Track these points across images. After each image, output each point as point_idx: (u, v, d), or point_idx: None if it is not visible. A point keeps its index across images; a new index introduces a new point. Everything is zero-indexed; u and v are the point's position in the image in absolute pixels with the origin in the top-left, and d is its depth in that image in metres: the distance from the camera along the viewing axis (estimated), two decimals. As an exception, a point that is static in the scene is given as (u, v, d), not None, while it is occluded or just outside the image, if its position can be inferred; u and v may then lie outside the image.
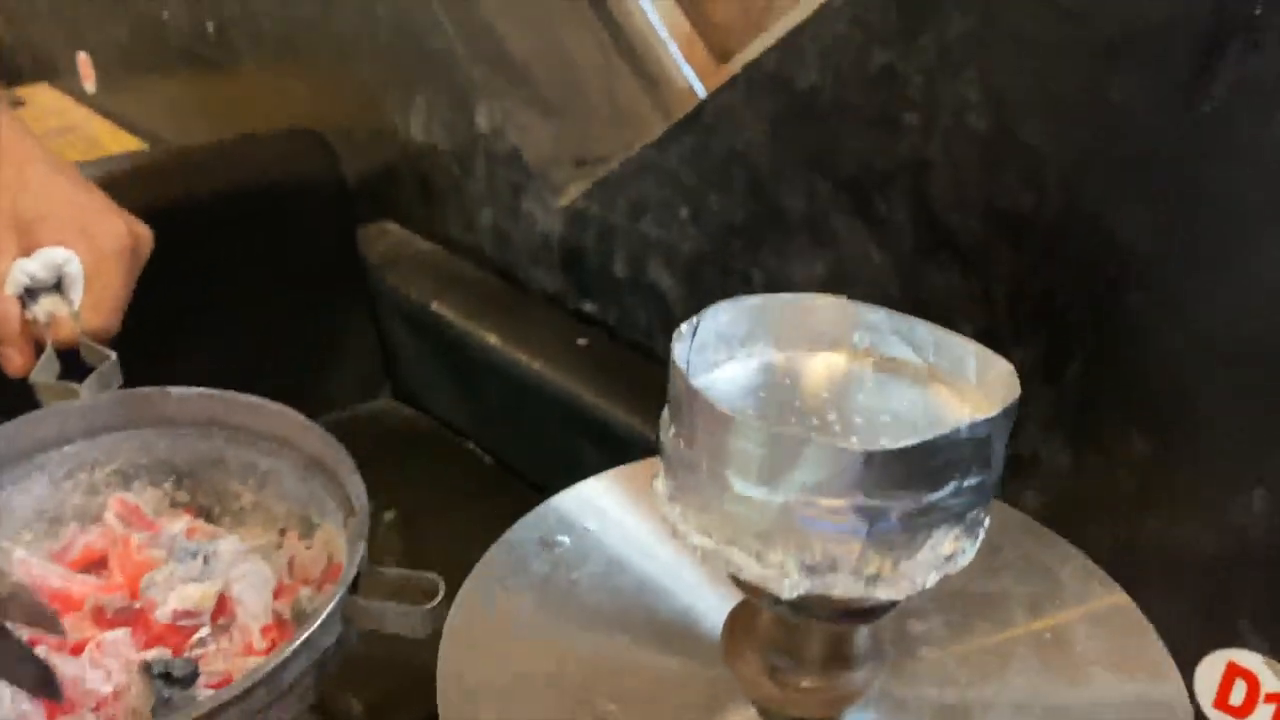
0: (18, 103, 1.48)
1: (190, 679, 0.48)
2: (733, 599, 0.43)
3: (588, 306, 0.87)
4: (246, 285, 0.90)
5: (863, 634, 0.40)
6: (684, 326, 0.38)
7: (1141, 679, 0.43)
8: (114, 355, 0.59)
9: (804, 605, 0.36)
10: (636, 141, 0.83)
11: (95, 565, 0.56)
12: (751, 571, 0.35)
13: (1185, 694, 0.43)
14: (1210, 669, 0.59)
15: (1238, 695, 0.57)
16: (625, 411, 0.78)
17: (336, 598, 0.46)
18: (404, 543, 0.77)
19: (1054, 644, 0.44)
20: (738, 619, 0.42)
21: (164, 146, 1.26)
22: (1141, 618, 0.46)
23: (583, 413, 0.80)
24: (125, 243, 0.63)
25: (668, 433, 0.37)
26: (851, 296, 0.39)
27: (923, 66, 0.61)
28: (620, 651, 0.43)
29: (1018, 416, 0.35)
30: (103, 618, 0.51)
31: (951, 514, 0.34)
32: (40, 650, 0.48)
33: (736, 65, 0.77)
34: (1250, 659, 0.58)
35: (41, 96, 1.51)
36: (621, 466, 0.50)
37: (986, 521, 0.37)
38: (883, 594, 0.35)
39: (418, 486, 0.85)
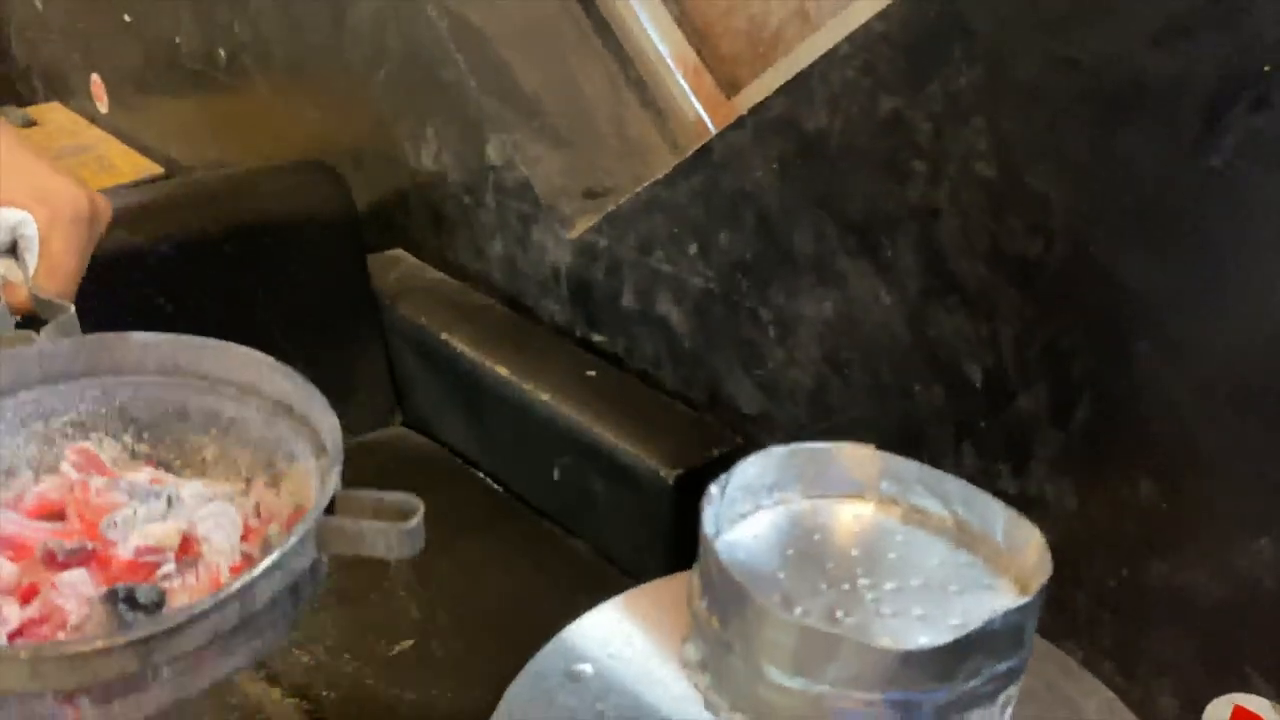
0: (31, 123, 1.49)
1: (156, 605, 0.45)
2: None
3: (596, 337, 0.88)
4: (258, 314, 0.91)
5: None
6: (713, 488, 0.39)
7: None
8: (71, 307, 0.57)
9: None
10: (645, 172, 0.84)
11: (51, 517, 0.54)
12: None
13: None
14: (1217, 712, 0.59)
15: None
16: (632, 441, 0.78)
17: (312, 517, 0.44)
18: (413, 571, 0.78)
19: None
20: None
21: (175, 180, 1.27)
22: None
23: (591, 442, 0.80)
24: (83, 209, 0.62)
25: (699, 602, 0.37)
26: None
27: (931, 114, 0.61)
28: None
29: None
30: (53, 561, 0.48)
31: (984, 698, 0.35)
32: None
33: (744, 103, 0.77)
34: (1258, 703, 0.58)
35: (55, 116, 1.52)
36: (637, 589, 0.50)
37: (1016, 695, 0.37)
38: None
39: (427, 514, 0.85)
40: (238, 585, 0.41)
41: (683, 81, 0.93)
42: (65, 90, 1.53)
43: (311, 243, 0.92)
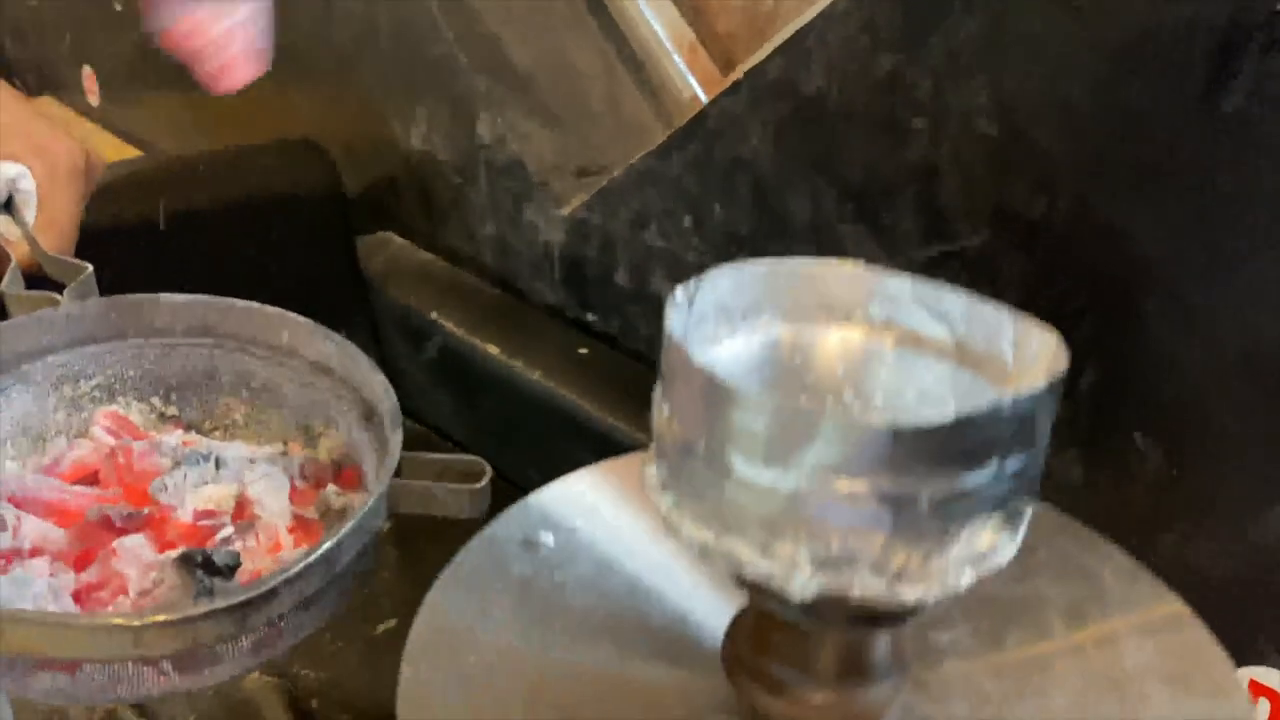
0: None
1: (232, 568, 0.46)
2: (735, 605, 0.38)
3: (589, 317, 0.86)
4: (244, 296, 0.89)
5: (882, 643, 0.36)
6: (679, 292, 0.34)
7: (1201, 695, 0.38)
8: (89, 267, 0.56)
9: (817, 608, 0.32)
10: (639, 151, 0.82)
11: (86, 481, 0.53)
12: (756, 568, 0.31)
13: (1253, 713, 0.39)
14: (1230, 688, 0.58)
15: (1261, 714, 0.56)
16: (627, 423, 0.76)
17: (386, 478, 0.44)
18: (400, 554, 0.76)
19: (1099, 656, 0.39)
20: (740, 627, 0.37)
21: (161, 156, 1.25)
22: (1199, 625, 0.41)
23: (584, 424, 0.78)
24: (79, 163, 0.61)
25: (660, 413, 0.32)
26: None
27: (931, 71, 0.60)
28: (608, 663, 0.39)
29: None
30: (111, 526, 0.48)
31: (990, 502, 0.30)
32: (42, 562, 0.46)
33: (740, 72, 0.76)
34: (1271, 676, 0.56)
35: (47, 110, 1.50)
36: (612, 459, 0.46)
37: (1029, 514, 0.32)
38: (909, 595, 0.30)
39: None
40: (326, 548, 0.42)
41: (679, 60, 0.91)
42: (56, 83, 1.51)
43: (299, 221, 0.91)
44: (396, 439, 0.46)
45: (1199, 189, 0.53)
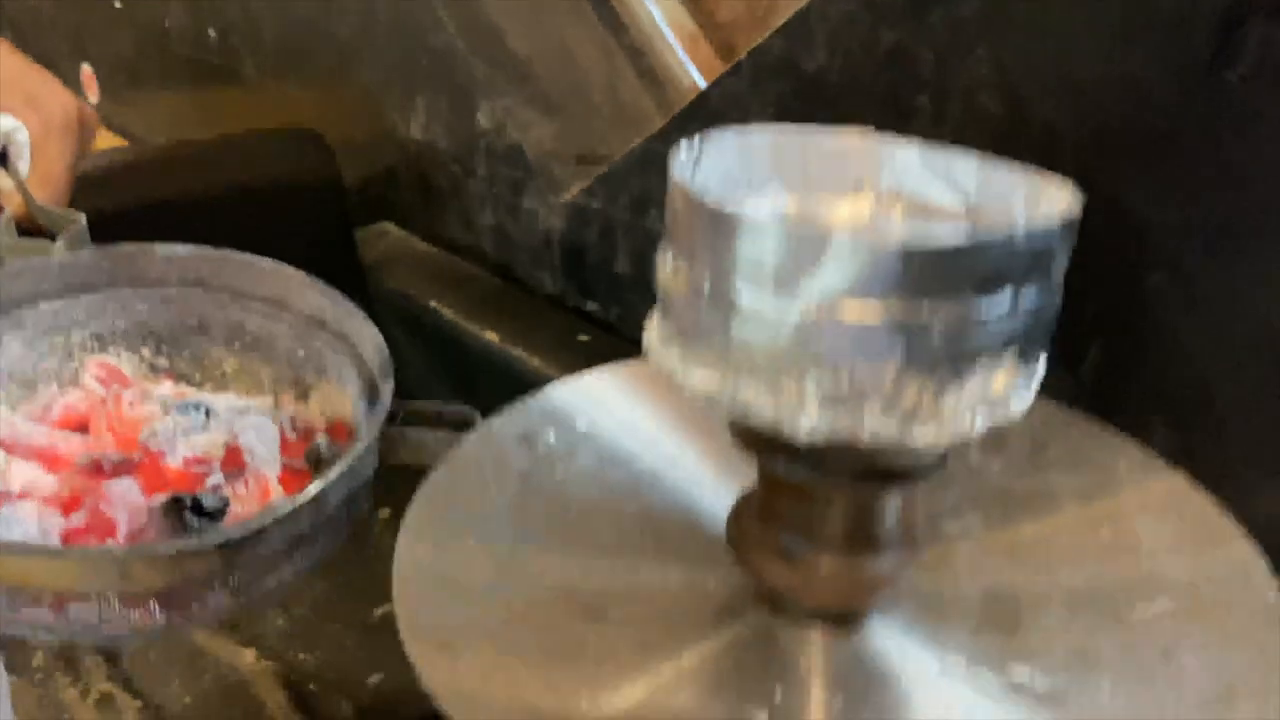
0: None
1: (220, 511, 0.46)
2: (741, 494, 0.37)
3: (589, 305, 0.85)
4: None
5: (891, 510, 0.34)
6: (684, 148, 0.33)
7: (1208, 551, 0.38)
8: (82, 217, 0.56)
9: (825, 460, 0.30)
10: (639, 139, 0.82)
11: (76, 428, 0.54)
12: (764, 410, 0.29)
13: (1260, 557, 0.38)
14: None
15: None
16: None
17: (378, 425, 0.44)
18: (395, 536, 0.75)
19: (1108, 530, 0.39)
20: (746, 503, 0.36)
21: (155, 144, 1.25)
22: (1205, 497, 0.41)
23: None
24: (73, 117, 0.61)
25: (664, 268, 0.32)
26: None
27: (934, 45, 0.59)
28: (610, 550, 0.38)
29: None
30: (100, 471, 0.49)
31: (1004, 338, 0.29)
32: (30, 505, 0.46)
33: (744, 53, 0.75)
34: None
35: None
36: (612, 364, 0.45)
37: (1044, 363, 0.32)
38: (920, 436, 0.29)
39: (414, 488, 0.82)
40: (315, 490, 0.42)
41: (679, 49, 0.91)
42: (55, 81, 1.51)
43: (296, 210, 0.90)
44: (388, 388, 0.46)
45: (1206, 162, 0.53)
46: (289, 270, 0.54)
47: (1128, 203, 0.56)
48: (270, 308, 0.55)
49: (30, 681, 0.62)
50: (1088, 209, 0.58)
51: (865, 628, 0.36)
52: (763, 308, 0.29)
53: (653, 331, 0.33)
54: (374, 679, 0.66)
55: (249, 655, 0.66)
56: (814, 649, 0.35)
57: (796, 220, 0.33)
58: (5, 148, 0.58)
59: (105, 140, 1.44)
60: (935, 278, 0.28)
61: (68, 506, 0.47)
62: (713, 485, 0.40)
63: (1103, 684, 0.34)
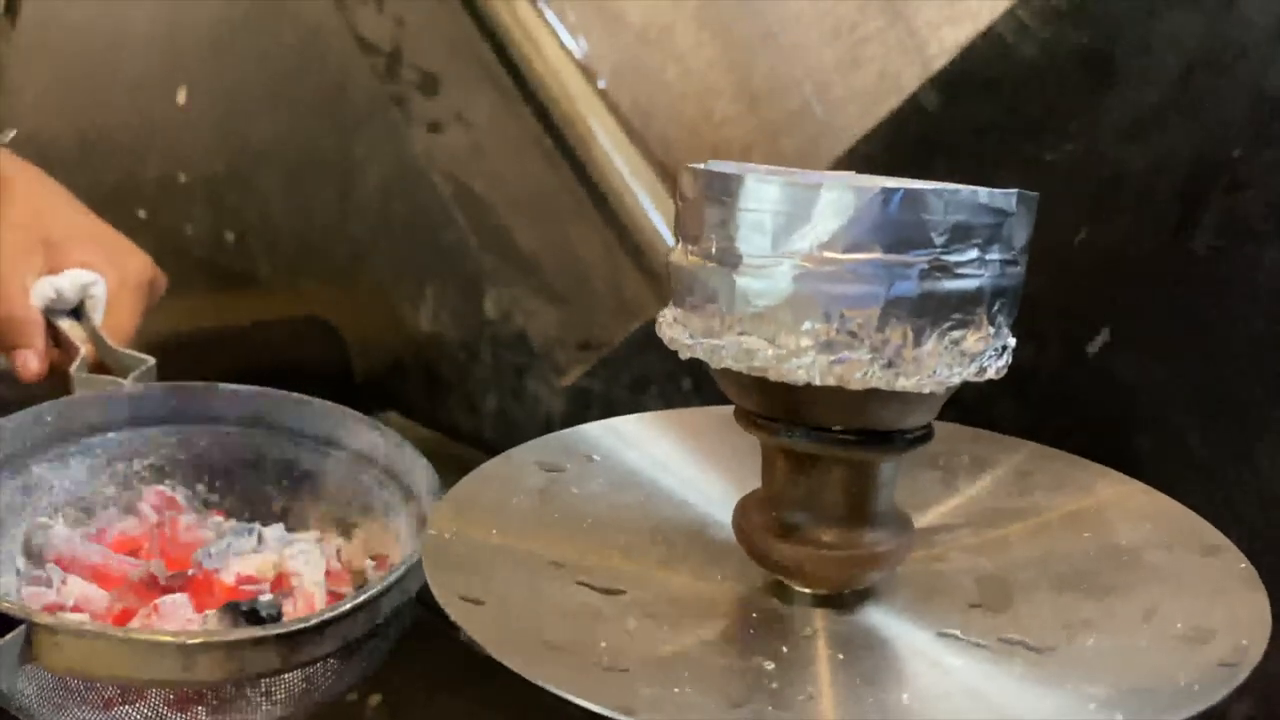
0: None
1: (275, 618, 0.47)
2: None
3: (589, 486, 0.86)
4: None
5: (885, 483, 0.38)
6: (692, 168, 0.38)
7: (1186, 543, 0.41)
8: (152, 360, 0.60)
9: (821, 412, 0.35)
10: (639, 323, 0.85)
11: (130, 554, 0.55)
12: (765, 356, 0.34)
13: (1241, 555, 0.40)
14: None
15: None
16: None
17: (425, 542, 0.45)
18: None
19: (1095, 535, 0.42)
20: (750, 497, 0.41)
21: (171, 331, 1.28)
22: (1187, 511, 0.44)
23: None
24: (147, 275, 0.65)
25: (674, 248, 0.37)
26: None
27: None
28: (623, 551, 0.41)
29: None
30: (154, 585, 0.50)
31: (973, 297, 0.34)
32: (83, 619, 0.45)
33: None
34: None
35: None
36: (621, 417, 0.50)
37: (1012, 342, 0.37)
38: (903, 382, 0.34)
39: (406, 673, 0.81)
40: (370, 594, 0.43)
41: (677, 247, 0.96)
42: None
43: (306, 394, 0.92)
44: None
45: (1183, 325, 0.56)
46: (342, 409, 0.57)
47: (1110, 365, 0.58)
48: (322, 445, 0.57)
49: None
50: (1070, 375, 0.60)
51: (864, 608, 0.39)
52: (762, 260, 0.33)
53: (666, 320, 0.38)
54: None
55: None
56: (817, 620, 0.39)
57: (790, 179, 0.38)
58: (83, 300, 0.62)
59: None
60: (912, 224, 0.33)
61: (120, 621, 0.49)
62: (721, 505, 0.43)
63: (1089, 640, 0.37)
